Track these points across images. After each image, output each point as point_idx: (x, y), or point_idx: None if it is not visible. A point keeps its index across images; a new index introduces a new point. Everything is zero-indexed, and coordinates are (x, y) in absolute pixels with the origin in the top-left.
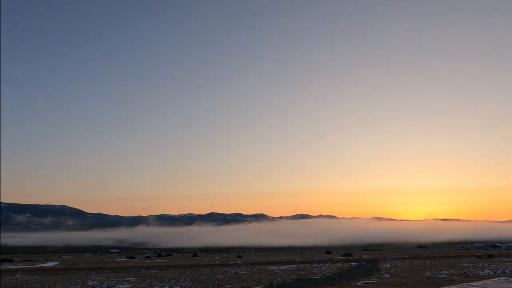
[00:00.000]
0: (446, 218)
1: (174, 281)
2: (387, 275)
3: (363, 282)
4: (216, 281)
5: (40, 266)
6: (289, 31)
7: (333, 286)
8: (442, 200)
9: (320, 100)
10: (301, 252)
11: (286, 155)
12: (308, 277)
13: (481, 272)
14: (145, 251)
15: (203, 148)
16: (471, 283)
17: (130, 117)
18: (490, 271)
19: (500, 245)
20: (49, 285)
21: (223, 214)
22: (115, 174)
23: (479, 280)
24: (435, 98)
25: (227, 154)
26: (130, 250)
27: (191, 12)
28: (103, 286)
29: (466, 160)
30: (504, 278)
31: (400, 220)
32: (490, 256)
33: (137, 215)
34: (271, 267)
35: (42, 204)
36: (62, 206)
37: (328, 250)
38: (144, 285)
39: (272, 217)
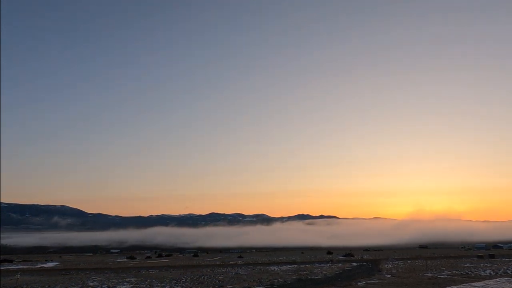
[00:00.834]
0: (448, 218)
1: (175, 281)
2: (388, 276)
3: (364, 282)
4: (217, 281)
5: (40, 267)
6: (289, 31)
7: (334, 286)
8: (442, 200)
9: (320, 100)
10: (302, 253)
11: (287, 156)
12: (309, 277)
13: (482, 272)
14: (145, 251)
15: (204, 148)
16: (472, 284)
17: (130, 117)
18: (491, 272)
19: (501, 245)
20: (49, 286)
21: (224, 214)
22: (115, 174)
23: (481, 281)
24: (436, 98)
25: (228, 154)
26: (131, 251)
27: (191, 12)
28: (104, 286)
29: (466, 161)
30: (506, 278)
31: (402, 220)
32: (492, 256)
33: (137, 215)
34: (272, 268)
35: (42, 204)
36: (63, 206)
37: (329, 250)
38: (144, 286)
39: (272, 217)
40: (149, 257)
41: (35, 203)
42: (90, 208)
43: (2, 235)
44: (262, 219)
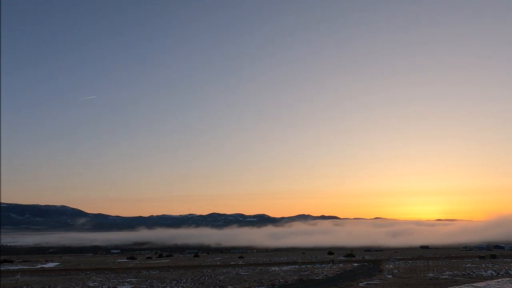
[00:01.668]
0: (449, 218)
1: (175, 282)
2: (390, 276)
3: (365, 283)
4: (218, 282)
5: (41, 267)
6: (290, 32)
7: (335, 287)
8: (444, 200)
9: (321, 100)
10: (303, 253)
11: (288, 156)
12: (310, 278)
13: (484, 273)
14: (146, 251)
15: (204, 148)
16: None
17: (130, 117)
18: (493, 272)
19: (503, 245)
20: (49, 286)
21: (224, 215)
22: (115, 175)
23: (482, 281)
24: (437, 98)
25: (228, 155)
26: (131, 251)
27: (192, 13)
28: (104, 287)
29: (468, 161)
30: (508, 279)
31: (403, 220)
32: (493, 257)
33: (138, 215)
34: (273, 268)
35: (42, 204)
36: (63, 206)
37: (330, 250)
38: (145, 286)
39: (273, 217)
40: (149, 258)
41: (35, 204)
42: (90, 208)
43: (2, 236)
44: (263, 220)
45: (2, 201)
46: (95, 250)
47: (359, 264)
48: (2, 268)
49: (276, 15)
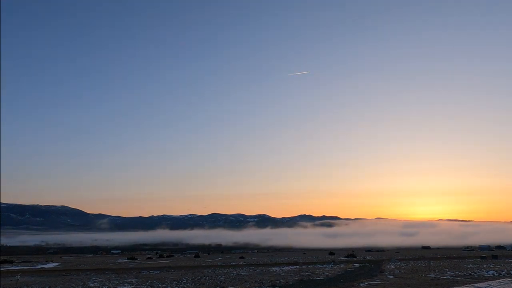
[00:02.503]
0: (451, 218)
1: (176, 282)
2: (391, 276)
3: (366, 283)
4: (218, 282)
5: (41, 268)
6: (292, 32)
7: (336, 287)
8: (445, 201)
9: (322, 101)
10: (304, 253)
11: (289, 156)
12: (311, 278)
13: (485, 273)
14: (146, 252)
15: (205, 148)
16: (475, 285)
17: (131, 117)
18: (495, 272)
19: (505, 246)
20: (49, 287)
21: (225, 215)
22: (116, 175)
23: (484, 282)
24: (439, 98)
25: (229, 155)
26: (131, 251)
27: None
28: (104, 287)
29: (468, 161)
30: (509, 279)
31: (404, 220)
32: (495, 257)
33: (138, 215)
34: (274, 269)
35: (42, 205)
36: (63, 206)
37: (331, 251)
38: (145, 287)
39: (274, 217)
40: (150, 258)
41: (36, 204)
42: (90, 208)
43: (2, 236)
44: (264, 220)
45: (2, 201)
46: (95, 250)
47: (360, 264)
48: (2, 269)
49: (282, 14)
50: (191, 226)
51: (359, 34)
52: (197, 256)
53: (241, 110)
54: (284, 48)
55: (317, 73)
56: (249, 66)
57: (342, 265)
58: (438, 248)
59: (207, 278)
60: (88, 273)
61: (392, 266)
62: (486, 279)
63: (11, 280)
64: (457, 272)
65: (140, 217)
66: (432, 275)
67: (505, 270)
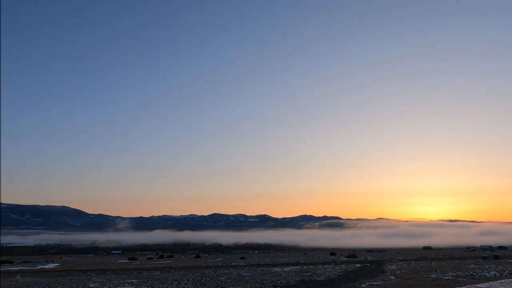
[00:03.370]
0: (452, 219)
1: (176, 283)
2: (392, 277)
3: (367, 284)
4: (219, 283)
5: (41, 268)
6: (292, 32)
7: None
8: (447, 201)
9: (324, 101)
10: (305, 254)
11: (290, 156)
12: (312, 279)
13: (487, 273)
14: (147, 252)
15: (206, 148)
16: (477, 285)
17: (131, 117)
18: (496, 273)
19: (506, 246)
20: (50, 287)
21: (226, 215)
22: (116, 175)
23: (485, 282)
24: (441, 99)
25: (230, 155)
26: (132, 251)
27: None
28: None
29: (470, 161)
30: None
31: (405, 221)
32: (497, 257)
33: (139, 216)
34: (275, 269)
35: (42, 205)
36: (63, 207)
37: (332, 251)
38: (146, 287)
39: (275, 218)
40: (150, 258)
41: (36, 204)
42: (91, 208)
43: (2, 236)
44: (265, 220)
45: (2, 202)
46: (95, 250)
47: (362, 265)
48: (2, 269)
49: (282, 14)
50: (191, 226)
51: (359, 34)
52: (197, 256)
53: (241, 110)
54: (284, 48)
55: (317, 73)
56: (249, 66)
57: (343, 266)
58: (440, 249)
59: (208, 279)
60: (88, 273)
61: (394, 267)
62: (487, 279)
63: (11, 281)
64: (458, 273)
65: (141, 217)
66: (434, 276)
67: (507, 271)
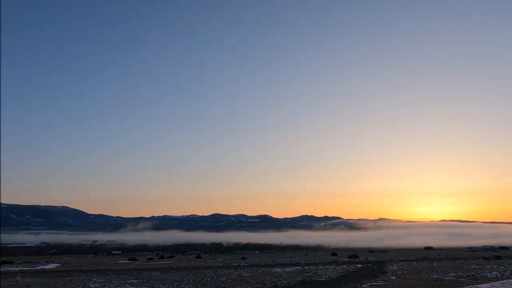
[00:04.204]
0: (454, 219)
1: (177, 283)
2: (394, 277)
3: (369, 284)
4: (220, 283)
5: (41, 268)
6: (293, 32)
7: None
8: (448, 201)
9: (324, 101)
10: (306, 254)
11: (291, 156)
12: (313, 279)
13: (489, 274)
14: (147, 252)
15: (206, 148)
16: (478, 286)
17: (131, 117)
18: (498, 273)
19: (508, 246)
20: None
21: (226, 215)
22: (116, 175)
23: (487, 283)
24: (441, 98)
25: (230, 155)
26: (132, 252)
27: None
28: None
29: (471, 162)
30: None
31: (406, 221)
32: (498, 258)
33: (139, 216)
34: (276, 269)
35: (43, 205)
36: (63, 207)
37: (334, 251)
38: None
39: (276, 218)
40: (151, 259)
41: (36, 204)
42: (91, 209)
43: (2, 236)
44: (266, 220)
45: (2, 202)
46: (96, 251)
47: (363, 265)
48: (2, 269)
49: (282, 14)
50: (192, 227)
51: (359, 34)
52: (198, 256)
53: (242, 110)
54: (285, 49)
55: (318, 73)
56: (249, 67)
57: (344, 266)
58: (441, 249)
59: (208, 279)
60: (88, 274)
61: (395, 267)
62: (489, 280)
63: (11, 281)
64: (460, 273)
65: (141, 217)
66: (435, 276)
67: (508, 271)
